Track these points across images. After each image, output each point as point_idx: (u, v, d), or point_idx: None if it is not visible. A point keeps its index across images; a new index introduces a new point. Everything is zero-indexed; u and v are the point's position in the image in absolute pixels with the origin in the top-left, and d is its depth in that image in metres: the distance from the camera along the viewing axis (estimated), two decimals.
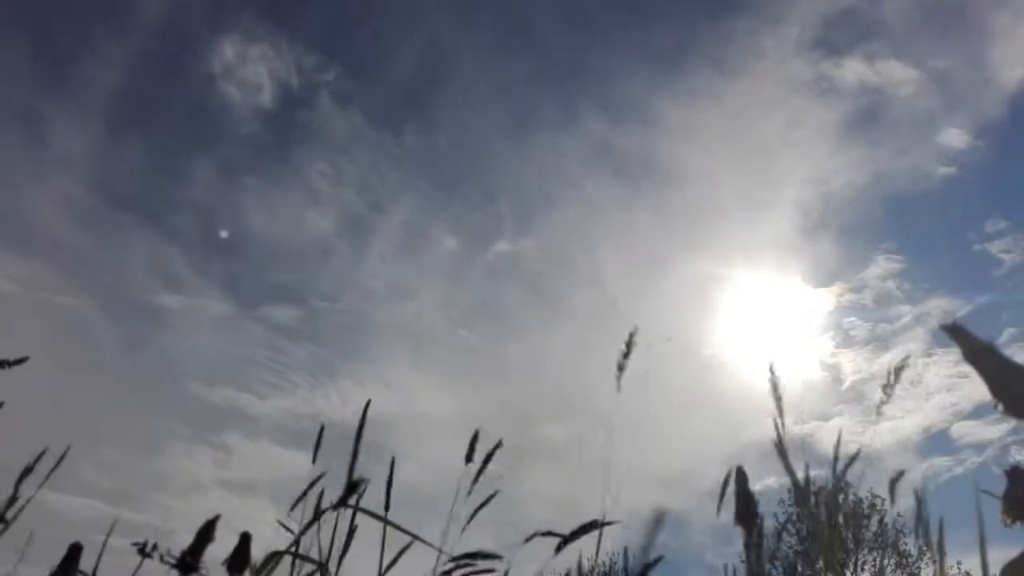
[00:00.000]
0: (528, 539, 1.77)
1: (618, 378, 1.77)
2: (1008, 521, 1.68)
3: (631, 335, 1.78)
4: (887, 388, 1.69)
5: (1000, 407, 1.53)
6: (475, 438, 2.01)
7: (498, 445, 2.00)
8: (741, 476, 1.45)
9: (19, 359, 2.41)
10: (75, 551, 1.70)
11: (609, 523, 1.76)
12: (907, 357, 1.74)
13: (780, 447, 1.55)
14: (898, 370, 1.71)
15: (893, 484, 1.80)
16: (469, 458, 2.01)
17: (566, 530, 1.75)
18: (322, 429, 2.08)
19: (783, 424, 1.59)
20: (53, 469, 2.14)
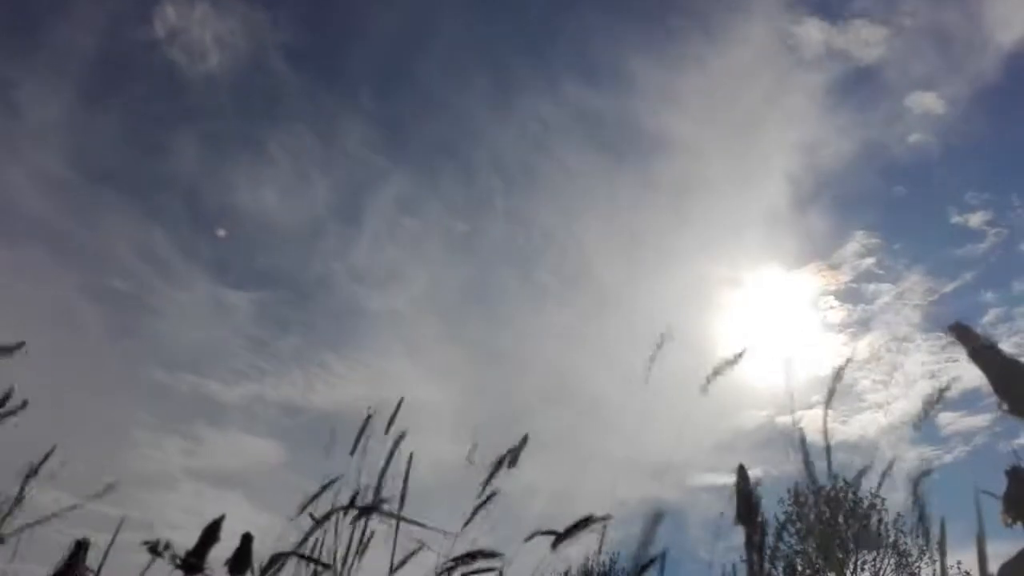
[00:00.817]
0: (528, 538, 1.77)
1: (648, 371, 1.75)
2: (1009, 521, 1.68)
3: (663, 335, 1.76)
4: (830, 396, 1.70)
5: (1005, 406, 1.54)
6: (473, 448, 2.00)
7: (504, 457, 1.99)
8: (743, 475, 1.45)
9: (18, 344, 2.41)
10: (80, 547, 1.70)
11: (602, 519, 1.76)
12: (841, 368, 1.74)
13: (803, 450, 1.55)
14: (839, 371, 1.72)
15: (883, 476, 1.80)
16: (470, 460, 2.00)
17: (560, 525, 1.76)
18: (367, 419, 2.04)
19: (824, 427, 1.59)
20: (40, 464, 2.13)
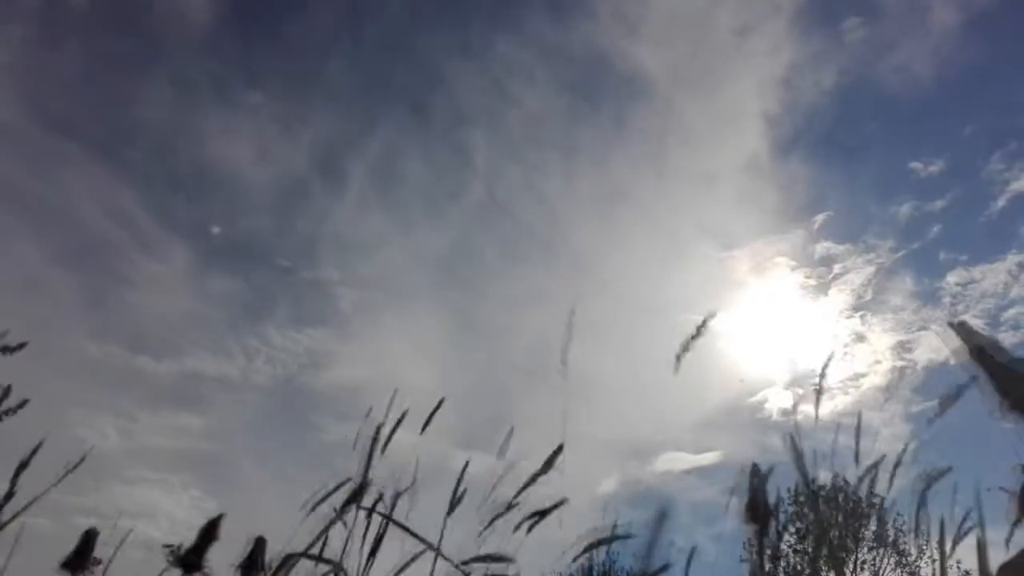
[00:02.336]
0: (490, 523, 1.77)
1: (677, 362, 1.74)
2: (1013, 520, 1.69)
3: (702, 323, 1.73)
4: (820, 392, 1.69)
5: (1005, 406, 1.54)
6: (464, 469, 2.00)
7: (540, 470, 1.98)
8: (755, 474, 1.45)
9: (19, 344, 2.40)
10: (90, 537, 1.69)
11: (558, 504, 1.76)
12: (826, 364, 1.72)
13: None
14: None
15: (873, 468, 1.81)
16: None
17: (528, 507, 1.76)
18: (369, 412, 2.03)
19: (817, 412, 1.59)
20: (29, 457, 2.12)
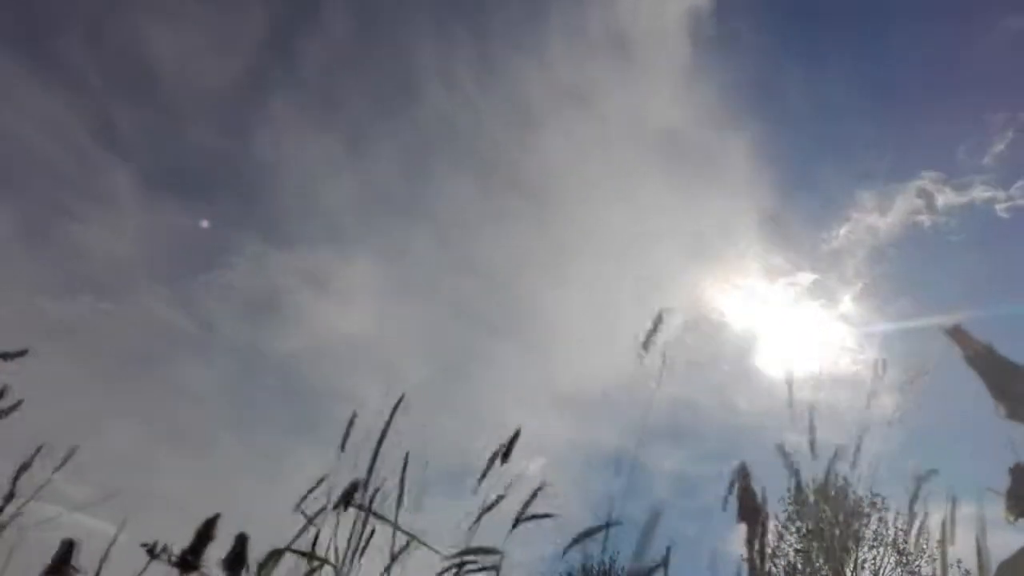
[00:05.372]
0: (478, 518, 1.76)
1: (641, 356, 1.74)
2: (1012, 518, 1.67)
3: (658, 316, 1.73)
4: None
5: (1002, 410, 1.53)
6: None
7: (496, 453, 1.97)
8: (744, 474, 1.44)
9: (20, 351, 2.39)
10: (69, 548, 1.69)
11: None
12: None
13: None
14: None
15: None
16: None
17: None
18: (353, 416, 2.01)
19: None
20: (31, 458, 2.11)
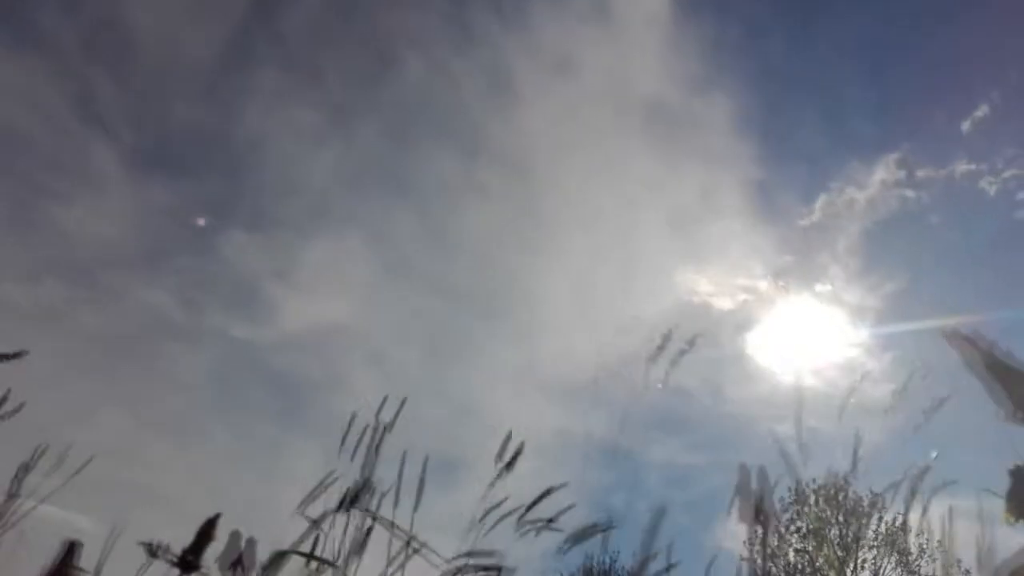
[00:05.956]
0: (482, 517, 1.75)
1: (648, 369, 1.74)
2: (1012, 520, 1.68)
3: (667, 334, 1.73)
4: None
5: (1003, 413, 1.53)
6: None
7: (503, 461, 1.97)
8: (745, 474, 1.45)
9: (17, 352, 2.39)
10: (71, 548, 1.69)
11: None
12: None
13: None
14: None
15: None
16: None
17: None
18: (352, 418, 2.00)
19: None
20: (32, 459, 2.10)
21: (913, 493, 1.80)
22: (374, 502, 1.82)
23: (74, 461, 2.19)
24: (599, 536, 1.73)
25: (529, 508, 1.71)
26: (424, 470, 1.89)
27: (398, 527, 1.79)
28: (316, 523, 1.79)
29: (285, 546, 1.74)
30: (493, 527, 1.90)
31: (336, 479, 1.91)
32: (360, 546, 1.82)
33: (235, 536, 1.70)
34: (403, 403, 1.88)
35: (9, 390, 2.32)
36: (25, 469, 2.14)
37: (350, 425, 2.04)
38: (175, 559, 2.07)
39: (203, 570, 2.14)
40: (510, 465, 1.94)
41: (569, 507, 1.84)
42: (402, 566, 1.81)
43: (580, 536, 1.73)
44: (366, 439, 1.90)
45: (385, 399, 1.92)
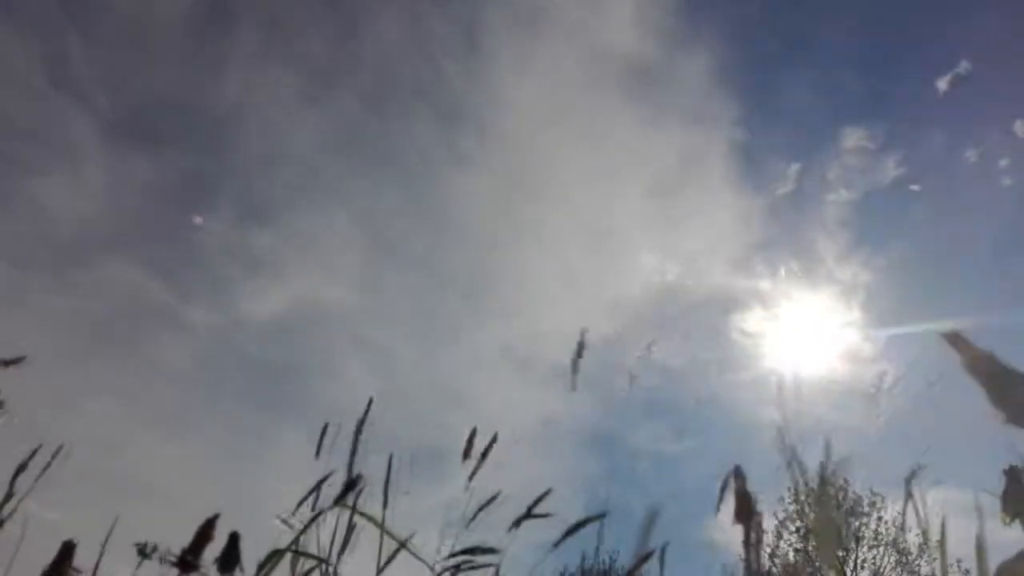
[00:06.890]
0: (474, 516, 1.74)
1: (573, 381, 1.77)
2: (1007, 520, 1.68)
3: (581, 338, 1.75)
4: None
5: (1001, 417, 1.53)
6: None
7: (482, 453, 1.97)
8: (739, 475, 1.45)
9: (17, 358, 2.39)
10: (68, 549, 1.68)
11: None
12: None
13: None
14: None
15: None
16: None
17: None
18: (325, 427, 2.02)
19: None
20: (27, 460, 2.11)
21: (909, 489, 1.80)
22: (360, 499, 1.82)
23: (63, 455, 2.18)
24: (590, 528, 1.73)
25: (528, 512, 1.72)
26: (389, 470, 1.88)
27: (385, 528, 1.79)
28: (313, 520, 1.79)
29: (273, 543, 1.74)
30: (475, 519, 1.90)
31: (329, 474, 1.92)
32: (344, 543, 1.83)
33: (233, 537, 1.70)
34: (370, 403, 1.88)
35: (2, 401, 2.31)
36: (23, 468, 2.14)
37: (323, 434, 2.03)
38: (174, 559, 2.07)
39: (202, 570, 2.14)
40: (484, 456, 1.95)
41: (547, 492, 1.84)
42: (385, 565, 1.82)
43: (571, 529, 1.73)
44: (348, 437, 1.90)
45: (371, 401, 1.92)
